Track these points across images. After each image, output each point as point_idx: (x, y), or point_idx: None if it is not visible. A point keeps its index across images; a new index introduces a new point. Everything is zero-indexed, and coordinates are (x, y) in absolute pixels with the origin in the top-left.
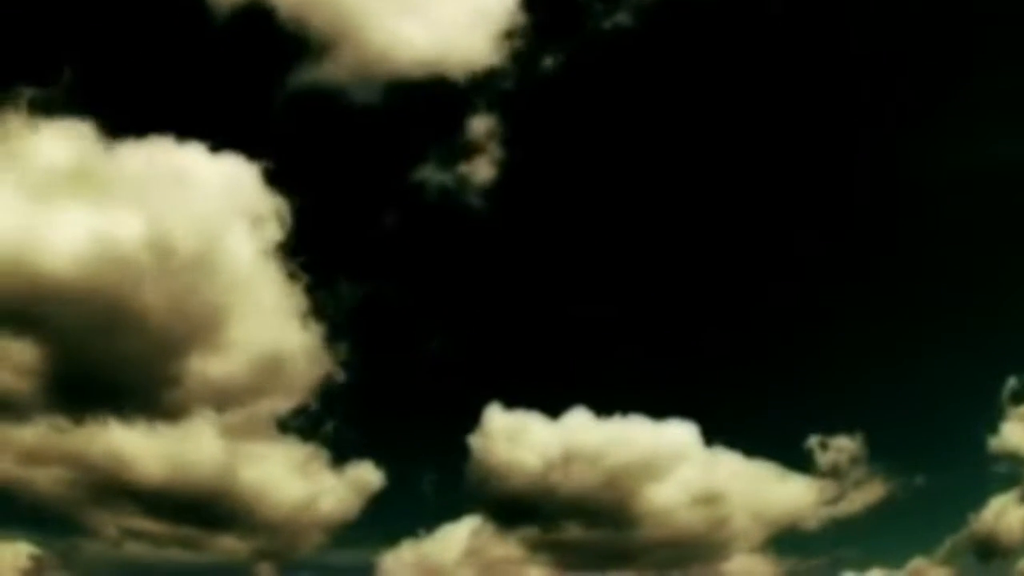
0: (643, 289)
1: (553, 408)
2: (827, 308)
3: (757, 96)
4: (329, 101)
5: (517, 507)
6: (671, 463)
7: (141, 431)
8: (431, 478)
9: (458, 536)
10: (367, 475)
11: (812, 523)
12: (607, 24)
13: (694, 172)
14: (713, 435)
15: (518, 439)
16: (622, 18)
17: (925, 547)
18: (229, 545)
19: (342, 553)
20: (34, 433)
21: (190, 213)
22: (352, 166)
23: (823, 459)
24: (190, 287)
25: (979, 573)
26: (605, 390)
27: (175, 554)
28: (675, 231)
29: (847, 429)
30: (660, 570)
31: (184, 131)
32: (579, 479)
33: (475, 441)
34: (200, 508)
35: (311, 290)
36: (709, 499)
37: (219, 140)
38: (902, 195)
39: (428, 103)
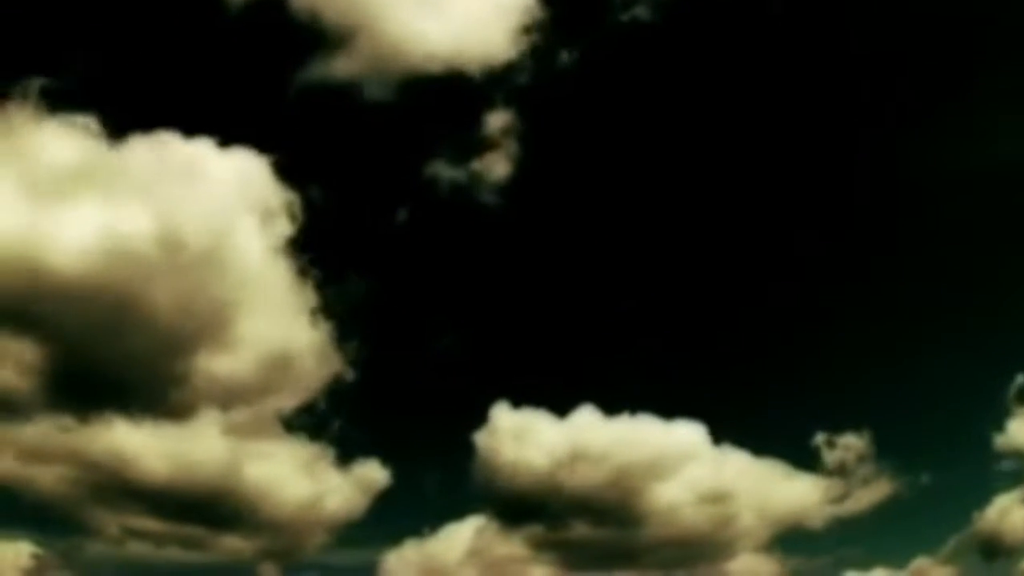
0: (652, 288)
1: (561, 407)
2: (836, 307)
3: (757, 96)
4: (343, 96)
5: (522, 505)
6: (678, 462)
7: (146, 430)
8: (438, 477)
9: (462, 535)
10: (373, 473)
11: (817, 522)
12: (625, 17)
13: (698, 172)
14: (721, 433)
15: (525, 438)
16: (640, 11)
17: (929, 546)
18: (233, 545)
19: (346, 553)
20: (37, 432)
21: (199, 209)
22: (365, 162)
23: (830, 457)
24: (198, 284)
25: (982, 572)
26: (613, 389)
27: (178, 554)
28: (684, 231)
29: (854, 427)
30: (665, 569)
31: (195, 125)
32: (586, 478)
33: (481, 439)
34: (204, 507)
35: (321, 286)
36: (716, 498)
37: (230, 134)
38: (902, 195)
39: (444, 98)
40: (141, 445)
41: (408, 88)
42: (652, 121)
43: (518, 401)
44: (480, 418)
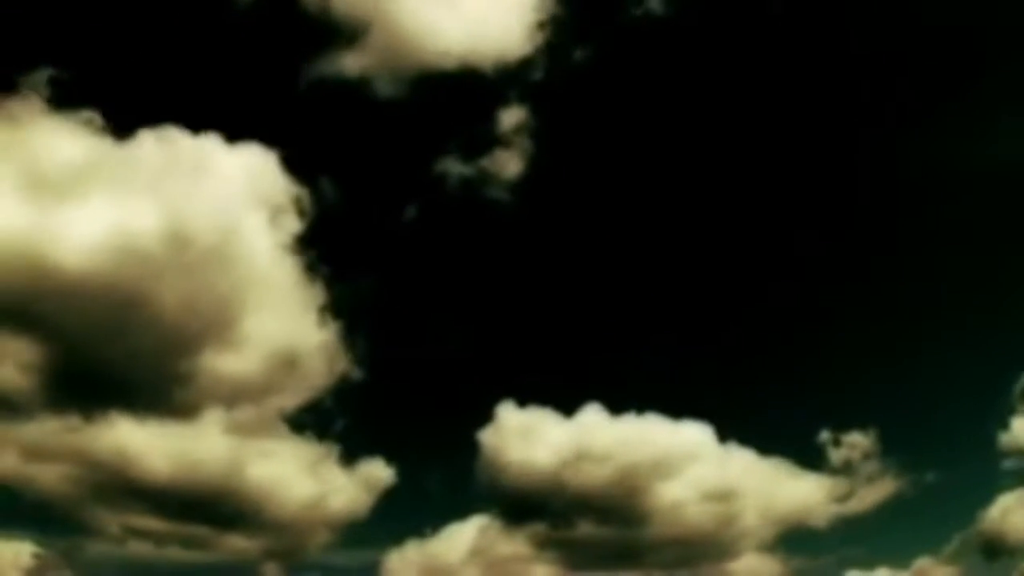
0: (658, 288)
1: (567, 406)
2: (843, 307)
3: (756, 96)
4: (355, 91)
5: (526, 504)
6: (684, 461)
7: (150, 428)
8: (443, 476)
9: (465, 534)
10: (378, 472)
11: (821, 521)
12: (638, 11)
13: (704, 172)
14: (727, 432)
15: (531, 436)
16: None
17: (932, 546)
18: (236, 544)
19: (349, 553)
20: (40, 430)
21: (206, 205)
22: (375, 158)
23: (836, 455)
24: (204, 281)
25: (984, 571)
26: (619, 387)
27: (180, 553)
28: (690, 232)
29: (860, 425)
30: (668, 569)
31: (204, 120)
32: (591, 477)
33: (486, 437)
34: (207, 506)
35: (329, 284)
36: (721, 496)
37: (239, 130)
38: (902, 195)
39: (457, 94)
40: (144, 444)
41: (421, 84)
42: (659, 119)
43: (524, 400)
44: (486, 417)
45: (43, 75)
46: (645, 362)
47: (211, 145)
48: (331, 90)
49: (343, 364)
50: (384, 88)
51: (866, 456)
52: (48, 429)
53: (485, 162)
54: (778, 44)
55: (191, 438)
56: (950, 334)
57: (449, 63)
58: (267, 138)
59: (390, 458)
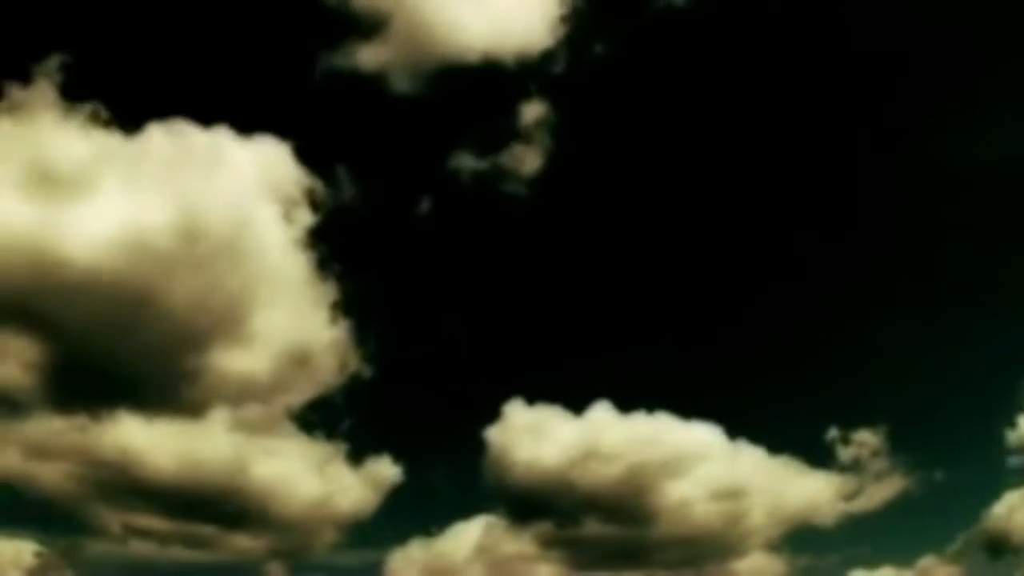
0: (669, 287)
1: (576, 404)
2: (850, 306)
3: (756, 96)
4: (371, 85)
5: (533, 503)
6: (693, 460)
7: (156, 427)
8: (449, 474)
9: (470, 533)
10: (385, 471)
11: (828, 520)
12: (660, 5)
13: (710, 172)
14: (736, 430)
15: (539, 434)
16: None
17: (936, 544)
18: (240, 544)
19: (354, 553)
20: (44, 428)
21: (217, 199)
22: (392, 152)
23: (844, 453)
24: (214, 277)
25: (988, 570)
26: (629, 386)
27: (183, 553)
28: (700, 232)
29: (870, 422)
30: (674, 569)
31: (217, 112)
32: (598, 475)
33: (493, 435)
34: (212, 505)
35: (340, 280)
36: (729, 495)
37: (252, 122)
38: (902, 195)
39: (478, 88)
40: (150, 442)
41: (440, 78)
42: (680, 115)
43: (533, 398)
44: (494, 415)
45: (55, 62)
46: (655, 361)
47: (223, 138)
48: (347, 83)
49: (353, 362)
50: (401, 83)
51: (875, 454)
52: (52, 427)
53: (503, 157)
54: (778, 44)
55: (197, 436)
56: (958, 332)
57: (471, 57)
58: (281, 130)
59: (397, 456)
